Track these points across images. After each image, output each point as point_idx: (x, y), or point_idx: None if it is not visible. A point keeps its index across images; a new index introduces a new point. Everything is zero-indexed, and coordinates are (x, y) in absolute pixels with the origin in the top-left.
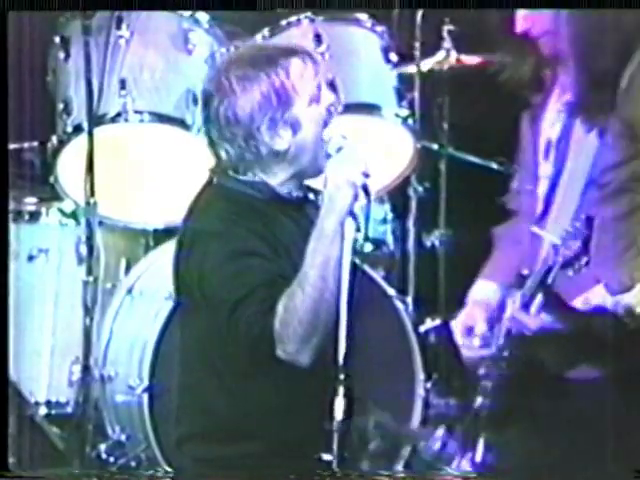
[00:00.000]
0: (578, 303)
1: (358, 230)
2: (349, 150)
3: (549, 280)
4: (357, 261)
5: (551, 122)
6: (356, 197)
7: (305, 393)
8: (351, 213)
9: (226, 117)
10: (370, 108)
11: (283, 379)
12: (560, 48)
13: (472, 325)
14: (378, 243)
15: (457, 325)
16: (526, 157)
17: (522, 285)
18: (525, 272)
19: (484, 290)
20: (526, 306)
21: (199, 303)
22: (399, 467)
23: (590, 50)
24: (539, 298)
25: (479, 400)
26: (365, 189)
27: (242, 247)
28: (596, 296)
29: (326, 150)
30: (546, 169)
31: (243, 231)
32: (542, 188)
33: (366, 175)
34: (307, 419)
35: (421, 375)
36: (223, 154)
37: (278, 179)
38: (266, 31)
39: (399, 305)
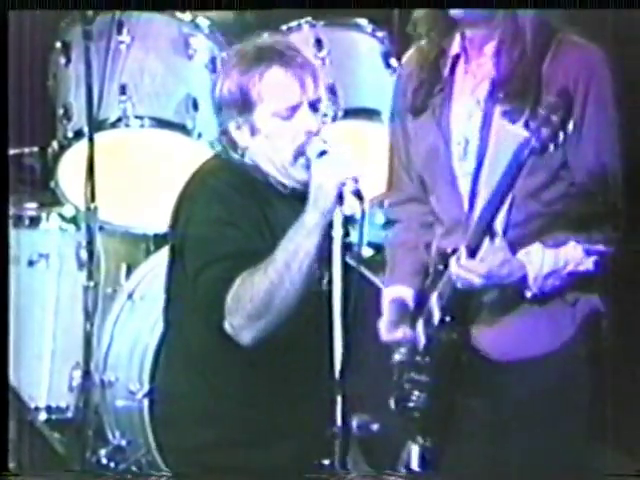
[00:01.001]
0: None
1: (347, 234)
2: (333, 154)
3: (495, 225)
4: (353, 264)
5: (465, 117)
6: (340, 199)
7: (301, 397)
8: (347, 217)
9: (214, 98)
10: (370, 113)
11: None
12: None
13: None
14: (378, 248)
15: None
16: (433, 162)
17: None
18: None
19: (396, 292)
20: (472, 255)
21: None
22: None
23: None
24: (486, 243)
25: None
26: (357, 194)
27: (223, 216)
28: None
29: (306, 156)
30: (464, 167)
31: (231, 202)
32: (465, 187)
33: (356, 180)
34: (305, 426)
35: None
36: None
37: (265, 166)
38: (266, 35)
39: None
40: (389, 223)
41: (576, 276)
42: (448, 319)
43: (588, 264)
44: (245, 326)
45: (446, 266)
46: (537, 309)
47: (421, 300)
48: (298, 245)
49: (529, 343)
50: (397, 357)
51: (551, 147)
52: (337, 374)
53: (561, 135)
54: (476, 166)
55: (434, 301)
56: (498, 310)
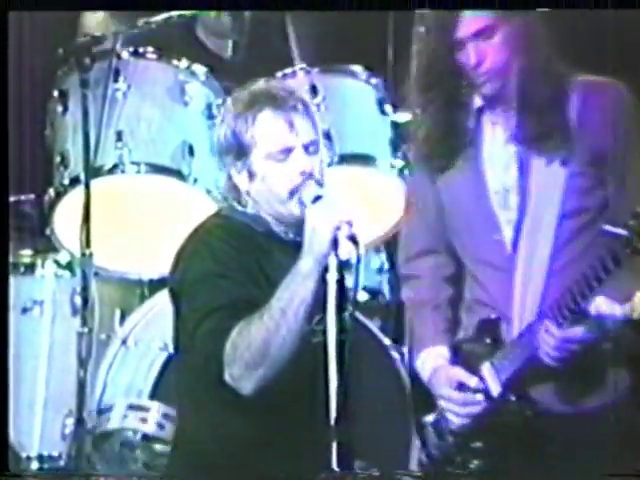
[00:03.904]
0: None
1: (342, 279)
2: (328, 199)
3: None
4: (350, 310)
5: (501, 167)
6: (335, 243)
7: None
8: (342, 262)
9: (213, 144)
10: (365, 159)
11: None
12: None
13: (457, 380)
14: (374, 293)
15: (445, 393)
16: (470, 212)
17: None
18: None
19: (437, 357)
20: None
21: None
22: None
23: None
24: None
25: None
26: (352, 239)
27: (216, 270)
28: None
29: (300, 199)
30: (506, 215)
31: (225, 257)
32: (508, 234)
33: (350, 224)
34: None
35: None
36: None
37: (266, 215)
38: (262, 81)
39: (395, 355)
40: (406, 279)
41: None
42: (513, 397)
43: None
44: (245, 376)
45: (495, 340)
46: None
47: (457, 358)
48: (294, 292)
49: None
50: (431, 417)
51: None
52: (332, 420)
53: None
54: (519, 215)
55: (488, 373)
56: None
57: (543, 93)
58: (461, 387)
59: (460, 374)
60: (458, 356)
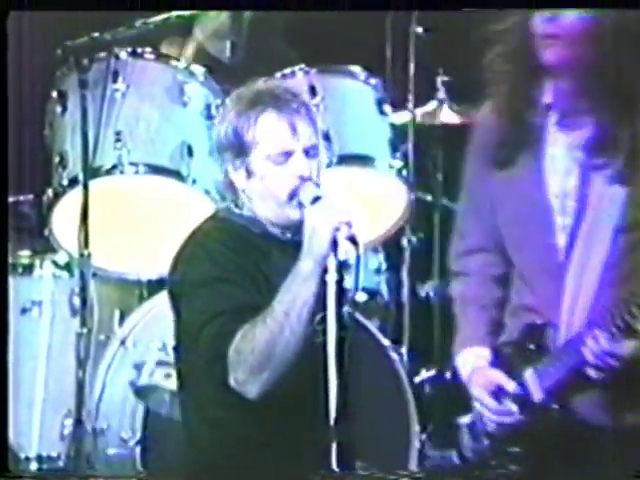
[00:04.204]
0: None
1: (341, 279)
2: (327, 200)
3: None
4: (349, 310)
5: (562, 171)
6: (335, 244)
7: (298, 444)
8: (341, 263)
9: (212, 141)
10: (364, 159)
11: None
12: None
13: (497, 385)
14: (372, 293)
15: (482, 397)
16: (526, 214)
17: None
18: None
19: (478, 357)
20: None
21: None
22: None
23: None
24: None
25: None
26: (352, 239)
27: (216, 274)
28: None
29: (299, 200)
30: (562, 221)
31: (225, 261)
32: (562, 240)
33: (349, 225)
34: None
35: (416, 427)
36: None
37: (262, 215)
38: (261, 81)
39: (394, 355)
40: (455, 275)
41: None
42: (555, 405)
43: None
44: (249, 380)
45: (540, 346)
46: None
47: (498, 361)
48: (295, 294)
49: None
50: (467, 419)
51: None
52: (332, 420)
53: None
54: (575, 221)
55: (531, 378)
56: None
57: (616, 102)
58: (499, 391)
59: (499, 377)
60: (499, 359)
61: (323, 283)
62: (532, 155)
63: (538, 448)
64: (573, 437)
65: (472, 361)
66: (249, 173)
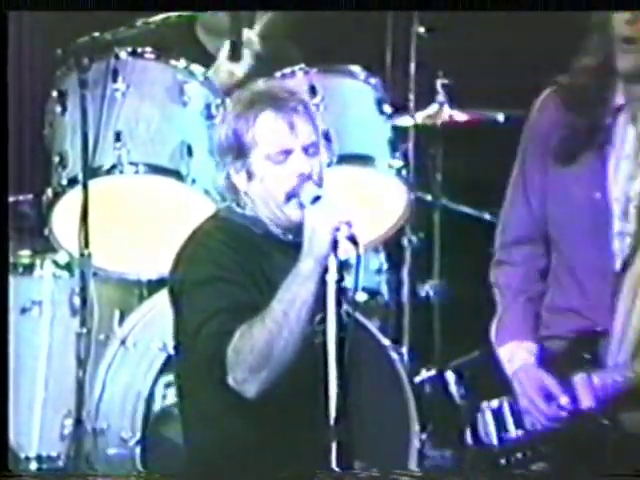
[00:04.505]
0: None
1: (341, 279)
2: (327, 200)
3: None
4: (349, 310)
5: (626, 176)
6: (335, 244)
7: (298, 443)
8: (341, 262)
9: (212, 144)
10: (364, 159)
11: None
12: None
13: (547, 388)
14: (373, 293)
15: (532, 396)
16: (584, 214)
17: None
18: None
19: (527, 352)
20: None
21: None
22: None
23: None
24: None
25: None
26: (352, 239)
27: (216, 273)
28: None
29: (299, 200)
30: (622, 226)
31: (225, 260)
32: (617, 245)
33: (350, 225)
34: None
35: (416, 426)
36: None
37: (264, 216)
38: (261, 81)
39: (394, 355)
40: (499, 264)
41: None
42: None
43: None
44: (248, 379)
45: (593, 355)
46: None
47: (544, 359)
48: (295, 294)
49: None
50: (495, 403)
51: None
52: (332, 420)
53: None
54: (637, 227)
55: (581, 384)
56: None
57: None
58: (548, 397)
59: (551, 384)
60: (546, 358)
61: (323, 283)
62: (597, 155)
63: (573, 453)
64: (612, 448)
65: (521, 356)
66: (250, 175)
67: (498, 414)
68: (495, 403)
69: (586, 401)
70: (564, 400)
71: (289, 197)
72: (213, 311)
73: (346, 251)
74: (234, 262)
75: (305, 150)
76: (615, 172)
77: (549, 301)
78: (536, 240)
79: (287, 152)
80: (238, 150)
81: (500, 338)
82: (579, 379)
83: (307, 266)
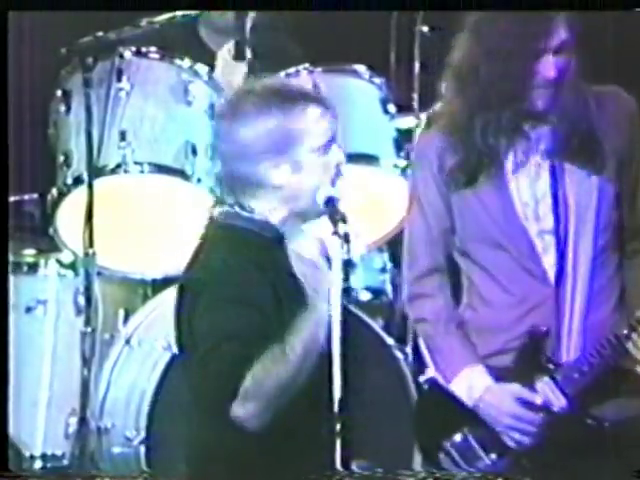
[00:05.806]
0: None
1: (347, 279)
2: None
3: None
4: (352, 309)
5: (532, 178)
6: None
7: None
8: (345, 262)
9: (229, 141)
10: (368, 159)
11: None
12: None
13: (521, 397)
14: (377, 292)
15: (512, 411)
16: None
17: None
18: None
19: (482, 375)
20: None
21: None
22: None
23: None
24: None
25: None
26: (345, 237)
27: (230, 294)
28: None
29: (315, 200)
30: (539, 226)
31: (246, 279)
32: (539, 245)
33: (344, 221)
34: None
35: None
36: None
37: (276, 216)
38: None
39: (398, 355)
40: (417, 297)
41: None
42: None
43: None
44: (258, 415)
45: (547, 355)
46: None
47: (500, 378)
48: (314, 335)
49: None
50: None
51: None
52: (336, 420)
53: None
54: (555, 224)
55: (548, 388)
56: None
57: (575, 102)
58: (528, 404)
59: (523, 392)
60: (500, 375)
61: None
62: (494, 170)
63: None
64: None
65: (481, 380)
66: (295, 167)
67: (463, 448)
68: (458, 437)
69: (558, 402)
70: (540, 400)
71: (329, 184)
72: (229, 334)
73: (345, 251)
74: (253, 282)
75: (335, 140)
76: (516, 180)
77: (474, 321)
78: (443, 266)
79: (329, 143)
80: (289, 146)
81: (449, 371)
82: (543, 384)
83: (317, 311)
